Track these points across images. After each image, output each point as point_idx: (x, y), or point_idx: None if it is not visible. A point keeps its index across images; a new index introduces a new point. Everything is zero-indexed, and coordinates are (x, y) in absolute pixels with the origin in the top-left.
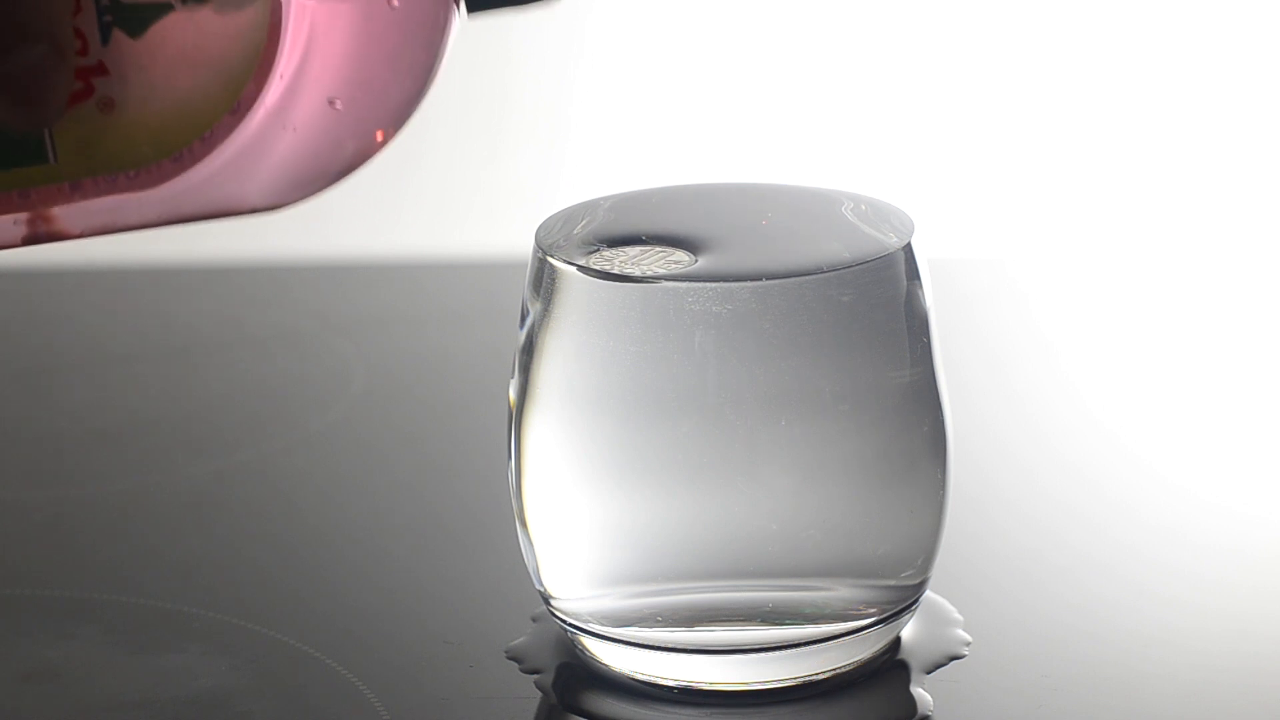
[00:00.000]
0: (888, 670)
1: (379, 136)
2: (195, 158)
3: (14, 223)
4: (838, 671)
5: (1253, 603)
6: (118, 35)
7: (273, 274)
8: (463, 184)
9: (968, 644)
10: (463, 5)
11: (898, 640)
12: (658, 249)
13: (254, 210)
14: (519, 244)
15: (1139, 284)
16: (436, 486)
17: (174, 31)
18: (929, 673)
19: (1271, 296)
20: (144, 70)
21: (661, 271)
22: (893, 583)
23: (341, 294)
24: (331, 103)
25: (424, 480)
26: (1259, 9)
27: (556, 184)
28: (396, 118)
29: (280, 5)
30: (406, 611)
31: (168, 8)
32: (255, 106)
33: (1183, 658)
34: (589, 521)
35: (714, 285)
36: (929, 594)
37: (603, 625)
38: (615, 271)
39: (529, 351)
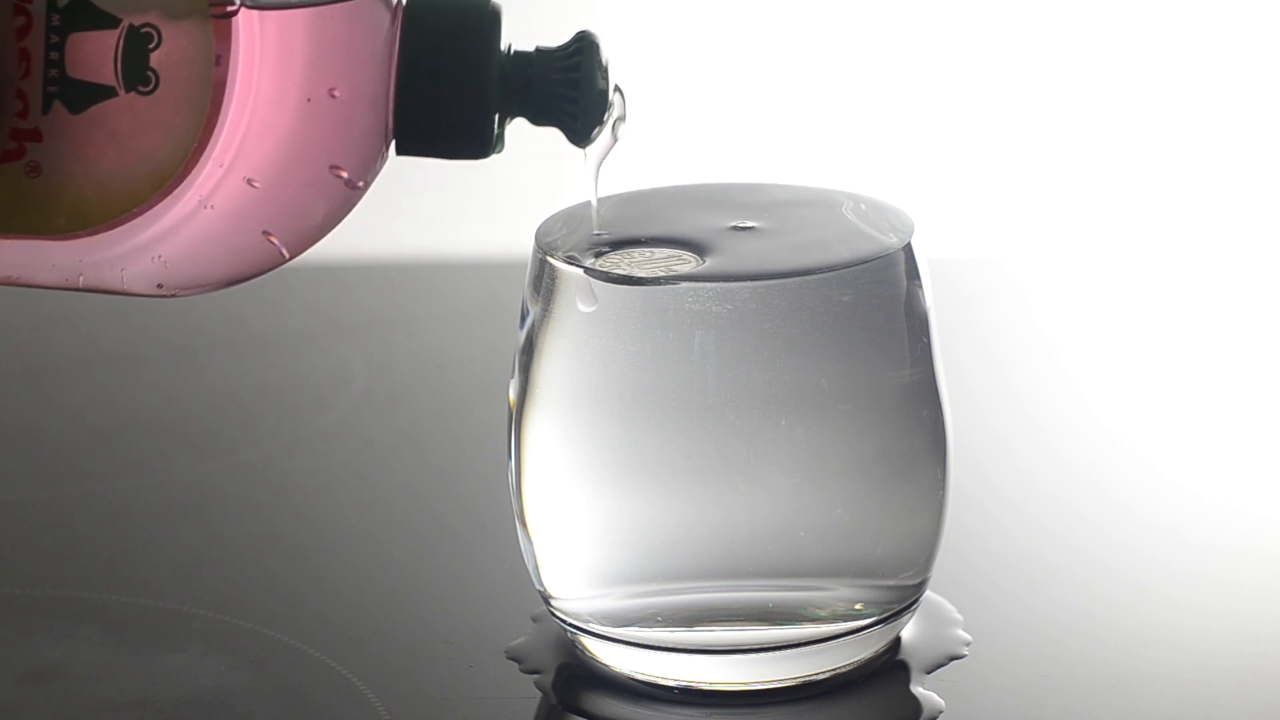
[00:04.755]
0: (888, 670)
1: (284, 251)
2: (113, 227)
3: None
4: (838, 671)
5: (1253, 603)
6: (58, 106)
7: (273, 274)
8: (463, 184)
9: (968, 644)
10: (393, 144)
11: (898, 640)
12: (659, 249)
13: (139, 294)
14: (519, 244)
15: (1139, 283)
16: (436, 486)
17: (113, 114)
18: (929, 673)
19: (1271, 296)
20: (77, 144)
21: (662, 272)
22: (893, 583)
23: (341, 294)
24: (250, 181)
25: (424, 480)
26: (1259, 9)
27: (557, 184)
28: (306, 227)
29: (222, 92)
30: (406, 611)
31: (111, 92)
32: (183, 189)
33: (1183, 658)
34: (589, 521)
35: (714, 285)
36: (929, 594)
37: (603, 625)
38: (615, 272)
39: (529, 351)
